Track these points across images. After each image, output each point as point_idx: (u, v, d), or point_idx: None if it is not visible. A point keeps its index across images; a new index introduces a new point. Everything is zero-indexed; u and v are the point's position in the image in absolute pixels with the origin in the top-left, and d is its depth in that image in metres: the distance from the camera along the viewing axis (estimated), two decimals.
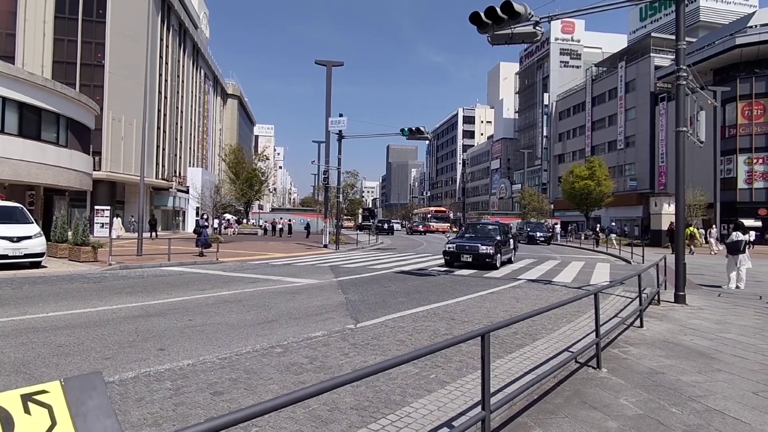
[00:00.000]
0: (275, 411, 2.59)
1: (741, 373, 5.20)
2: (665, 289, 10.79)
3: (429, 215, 64.29)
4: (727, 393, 4.56)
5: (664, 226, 32.70)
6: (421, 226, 59.91)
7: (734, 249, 12.04)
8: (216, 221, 38.15)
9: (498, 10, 9.33)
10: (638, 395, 4.44)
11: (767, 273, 16.64)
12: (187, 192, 46.08)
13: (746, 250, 12.21)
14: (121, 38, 36.77)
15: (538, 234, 36.63)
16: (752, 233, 31.03)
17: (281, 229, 43.53)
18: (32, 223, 13.75)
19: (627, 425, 3.76)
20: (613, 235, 31.64)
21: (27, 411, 1.07)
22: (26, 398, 1.09)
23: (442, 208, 70.67)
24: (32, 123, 21.38)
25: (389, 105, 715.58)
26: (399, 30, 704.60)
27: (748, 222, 35.68)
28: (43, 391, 1.14)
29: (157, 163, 43.46)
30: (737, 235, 12.19)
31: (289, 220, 47.06)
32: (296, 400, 2.05)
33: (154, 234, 32.25)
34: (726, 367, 5.42)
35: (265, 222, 48.68)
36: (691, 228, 27.25)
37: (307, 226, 44.33)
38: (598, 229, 36.54)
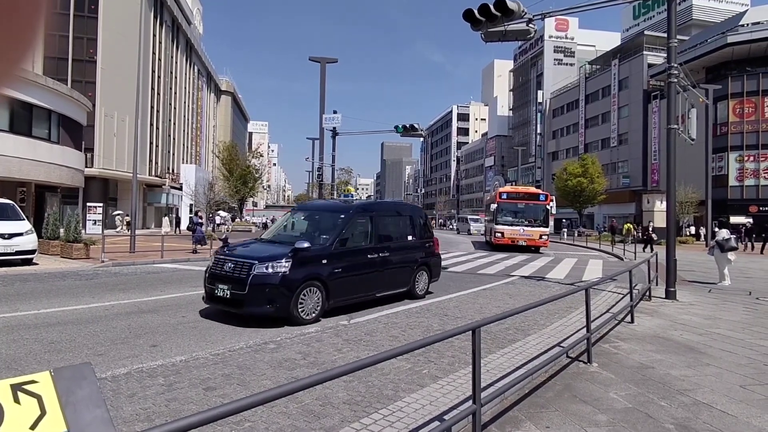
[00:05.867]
0: (267, 404, 2.61)
1: (729, 367, 5.27)
2: (656, 285, 10.89)
3: (496, 210, 24.20)
4: (715, 387, 4.62)
5: (657, 223, 33.06)
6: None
7: (724, 247, 12.16)
8: (215, 218, 38.46)
9: (491, 7, 9.35)
10: (628, 389, 4.49)
11: (757, 269, 16.83)
12: (180, 189, 45.81)
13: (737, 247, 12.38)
14: (113, 34, 36.45)
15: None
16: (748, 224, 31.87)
17: None
18: (23, 219, 13.63)
19: (616, 418, 3.80)
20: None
21: (17, 401, 1.08)
22: (16, 388, 1.10)
23: (533, 189, 28.88)
24: (23, 119, 21.17)
25: (385, 102, 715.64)
26: (396, 27, 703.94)
27: (739, 219, 36.13)
28: (33, 381, 1.14)
29: (150, 160, 43.18)
30: (726, 233, 12.33)
31: None
32: (288, 393, 2.07)
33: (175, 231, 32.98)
34: (714, 361, 5.49)
35: (266, 219, 51.38)
36: (628, 224, 32.24)
37: None
38: (651, 229, 26.11)
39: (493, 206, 24.44)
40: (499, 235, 23.62)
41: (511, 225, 23.73)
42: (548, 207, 24.21)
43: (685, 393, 4.42)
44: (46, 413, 1.11)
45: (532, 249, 23.55)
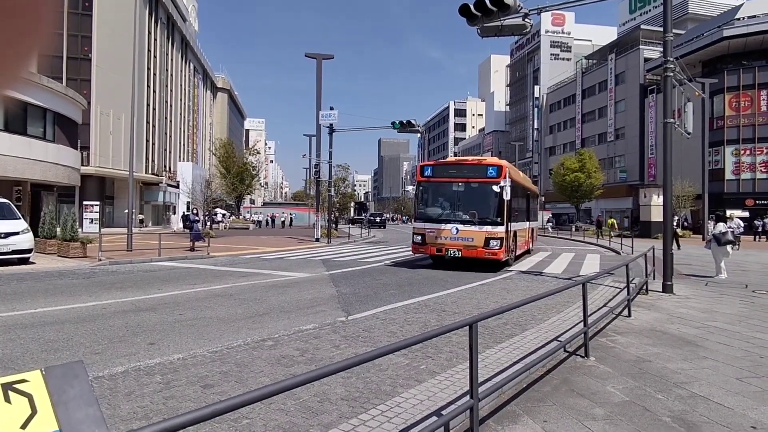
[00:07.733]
0: (265, 401, 2.60)
1: (726, 360, 5.29)
2: (653, 279, 10.91)
3: (415, 196, 15.19)
4: (711, 379, 4.64)
5: (654, 218, 33.24)
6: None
7: (720, 240, 12.19)
8: (215, 216, 38.73)
9: (487, 2, 9.31)
10: (625, 383, 4.50)
11: (754, 263, 16.88)
12: (177, 187, 45.68)
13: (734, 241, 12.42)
14: (108, 31, 36.24)
15: None
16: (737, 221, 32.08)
17: (283, 222, 52.21)
18: (19, 218, 13.58)
19: (613, 412, 3.81)
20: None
21: (7, 400, 1.07)
22: (6, 387, 1.09)
23: (487, 158, 16.62)
24: (18, 118, 21.06)
25: (382, 98, 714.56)
26: (394, 25, 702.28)
27: (735, 213, 36.23)
28: (24, 380, 1.13)
29: (147, 158, 43.05)
30: (723, 227, 12.36)
31: (291, 214, 55.19)
32: (285, 389, 2.06)
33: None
34: (711, 354, 5.51)
35: (266, 216, 54.09)
36: (612, 220, 35.06)
37: (336, 221, 43.43)
38: (675, 223, 21.63)
39: (411, 189, 14.08)
40: (418, 238, 13.99)
41: (437, 221, 13.82)
42: (500, 187, 12.97)
43: (682, 386, 4.44)
44: (37, 412, 1.10)
45: (478, 263, 13.52)
